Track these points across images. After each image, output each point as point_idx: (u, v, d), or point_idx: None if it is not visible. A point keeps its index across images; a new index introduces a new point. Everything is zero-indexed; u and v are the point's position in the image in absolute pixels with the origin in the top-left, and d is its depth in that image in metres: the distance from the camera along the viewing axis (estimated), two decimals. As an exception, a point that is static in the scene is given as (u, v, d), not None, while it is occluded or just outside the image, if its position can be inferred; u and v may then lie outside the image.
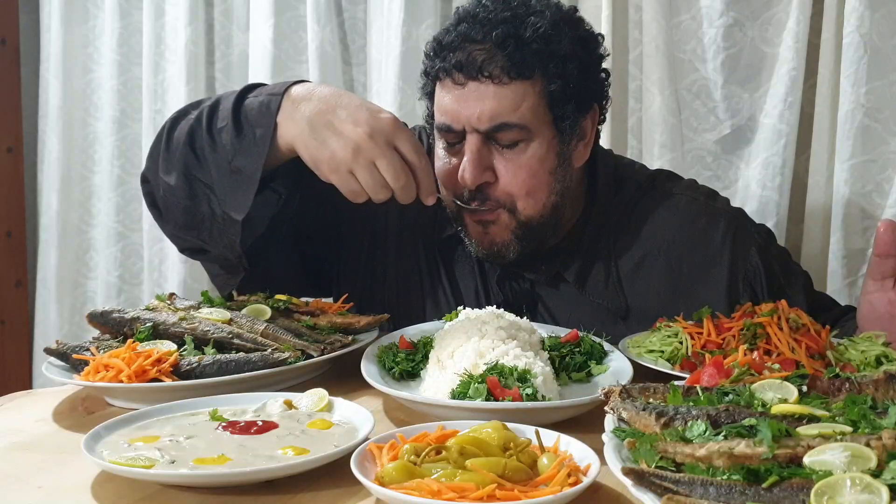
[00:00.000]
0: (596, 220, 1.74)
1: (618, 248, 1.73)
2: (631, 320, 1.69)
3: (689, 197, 1.80)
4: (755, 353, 1.33)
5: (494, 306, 1.59)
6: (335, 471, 1.05)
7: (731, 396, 1.06)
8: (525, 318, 1.55)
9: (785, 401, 1.05)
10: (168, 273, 3.06)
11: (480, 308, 1.59)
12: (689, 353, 1.42)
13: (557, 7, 1.65)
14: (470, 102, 1.57)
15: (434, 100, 1.66)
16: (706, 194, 1.84)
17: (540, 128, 1.60)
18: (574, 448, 1.04)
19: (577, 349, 1.47)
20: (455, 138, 1.62)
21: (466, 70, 1.56)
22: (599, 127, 1.74)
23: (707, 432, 0.94)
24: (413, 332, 1.58)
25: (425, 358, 1.43)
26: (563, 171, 1.66)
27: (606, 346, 1.50)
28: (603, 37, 1.72)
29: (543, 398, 1.23)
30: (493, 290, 1.77)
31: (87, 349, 1.42)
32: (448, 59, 1.58)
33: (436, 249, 1.81)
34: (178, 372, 1.35)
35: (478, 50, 1.56)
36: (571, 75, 1.59)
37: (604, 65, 1.71)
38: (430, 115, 1.70)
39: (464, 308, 1.57)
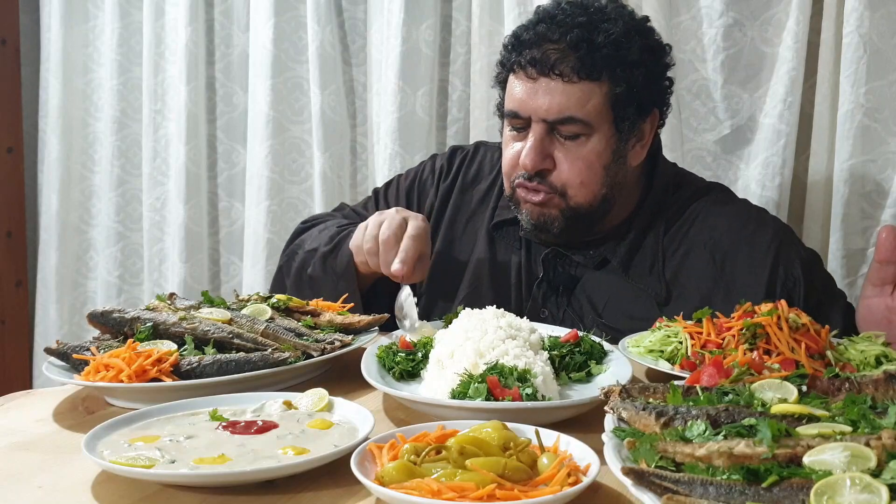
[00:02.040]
0: (649, 211, 1.84)
1: (666, 239, 1.82)
2: (669, 308, 1.74)
3: (742, 205, 1.90)
4: (755, 353, 1.33)
5: (535, 283, 1.81)
6: (335, 471, 1.05)
7: (730, 396, 1.06)
8: (563, 297, 1.81)
9: (785, 401, 1.05)
10: (168, 273, 3.06)
11: (521, 284, 1.83)
12: (689, 353, 1.42)
13: (631, 16, 1.78)
14: (539, 95, 1.70)
15: (506, 88, 1.80)
16: (758, 207, 1.93)
17: (601, 125, 1.72)
18: (574, 448, 1.04)
19: (577, 349, 1.46)
20: (521, 124, 1.77)
21: (539, 66, 1.70)
22: (659, 130, 1.86)
23: (707, 432, 0.93)
24: (413, 332, 1.59)
25: (425, 358, 1.43)
26: (617, 168, 1.77)
27: (606, 346, 1.50)
28: (671, 46, 1.84)
29: (543, 398, 1.23)
30: (535, 267, 1.86)
31: (88, 349, 1.41)
32: (524, 54, 1.72)
33: (487, 233, 1.94)
34: (178, 372, 1.35)
35: (552, 49, 1.69)
36: (636, 81, 1.71)
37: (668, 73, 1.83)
38: (501, 102, 1.84)
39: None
